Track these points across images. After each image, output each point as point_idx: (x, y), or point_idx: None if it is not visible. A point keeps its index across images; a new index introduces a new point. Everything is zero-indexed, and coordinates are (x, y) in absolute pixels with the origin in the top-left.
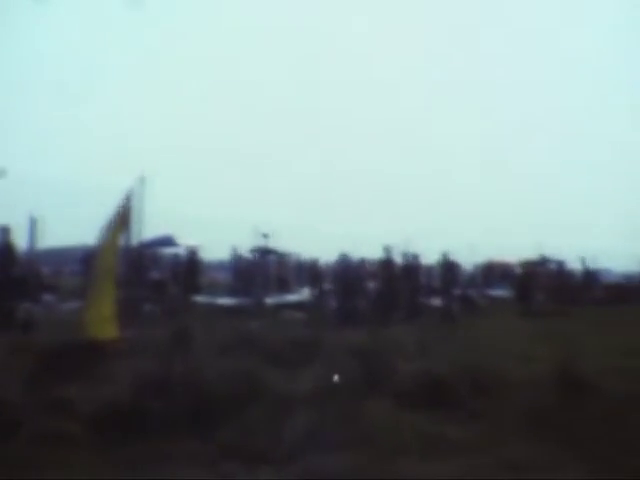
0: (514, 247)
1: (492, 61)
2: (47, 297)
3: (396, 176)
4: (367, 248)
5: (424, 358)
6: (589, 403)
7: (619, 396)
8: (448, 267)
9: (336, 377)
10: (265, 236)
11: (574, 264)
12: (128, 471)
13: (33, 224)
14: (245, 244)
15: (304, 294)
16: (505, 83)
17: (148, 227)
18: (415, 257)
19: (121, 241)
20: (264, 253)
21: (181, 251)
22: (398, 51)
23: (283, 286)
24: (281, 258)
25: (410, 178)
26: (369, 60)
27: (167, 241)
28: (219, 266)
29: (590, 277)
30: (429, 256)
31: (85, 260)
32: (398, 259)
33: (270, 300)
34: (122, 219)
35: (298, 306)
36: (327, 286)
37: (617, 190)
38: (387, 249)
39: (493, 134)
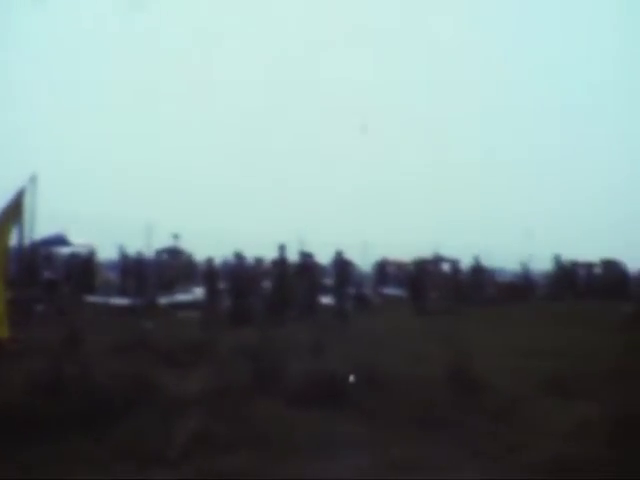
0: (409, 245)
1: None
2: None
3: (292, 174)
4: (264, 247)
5: (316, 357)
6: (480, 401)
7: (509, 395)
8: (341, 265)
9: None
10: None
11: (469, 263)
12: (21, 472)
13: None
14: (137, 243)
15: (198, 294)
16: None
17: (39, 226)
18: (310, 255)
19: (11, 240)
20: (160, 253)
21: (75, 250)
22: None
23: (177, 286)
24: (175, 257)
25: (305, 177)
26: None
27: (59, 240)
28: (113, 266)
29: (483, 276)
30: (325, 254)
31: None
32: (293, 258)
33: (164, 300)
34: (12, 217)
35: (192, 306)
36: (222, 285)
37: (511, 189)
38: (281, 247)
39: (383, 131)
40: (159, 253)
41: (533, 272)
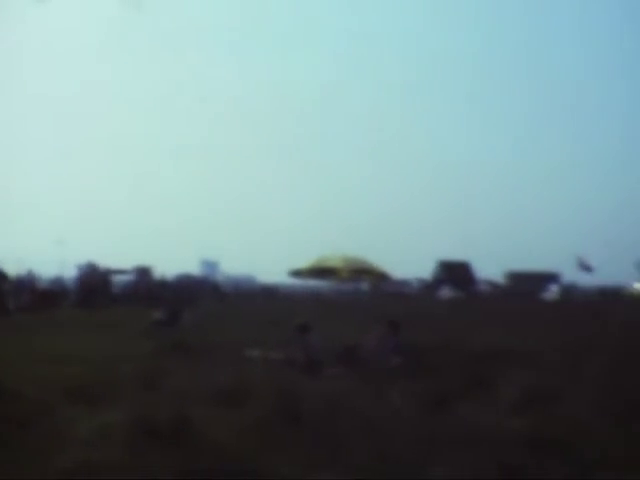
0: None
1: None
2: None
3: None
4: None
5: None
6: (6, 410)
7: (35, 403)
8: None
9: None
10: None
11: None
12: None
13: None
14: None
15: None
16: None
17: None
18: None
19: None
20: None
21: None
22: None
23: None
24: None
25: None
26: None
27: None
28: None
29: (20, 283)
30: None
31: None
32: None
33: None
34: None
35: None
36: None
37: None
38: None
39: None
40: None
41: (66, 278)
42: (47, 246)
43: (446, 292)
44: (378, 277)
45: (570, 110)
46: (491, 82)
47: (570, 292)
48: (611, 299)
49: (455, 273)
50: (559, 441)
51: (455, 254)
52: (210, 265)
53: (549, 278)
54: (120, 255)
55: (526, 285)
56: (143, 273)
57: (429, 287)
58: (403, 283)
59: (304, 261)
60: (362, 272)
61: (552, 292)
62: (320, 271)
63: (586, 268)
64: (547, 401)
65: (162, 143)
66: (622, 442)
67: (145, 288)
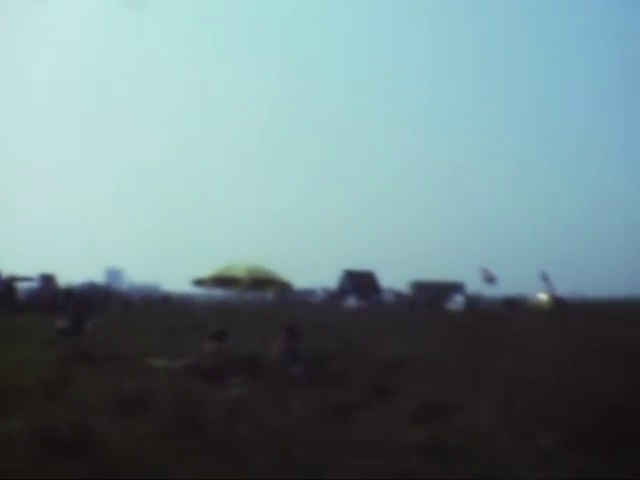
0: None
1: None
2: None
3: None
4: None
5: None
6: None
7: None
8: None
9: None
10: None
11: None
12: None
13: None
14: None
15: None
16: None
17: None
18: None
19: None
20: None
21: None
22: None
23: None
24: None
25: None
26: None
27: None
28: None
29: None
30: None
31: None
32: None
33: None
34: None
35: None
36: None
37: None
38: None
39: None
40: None
41: None
42: None
43: (351, 301)
44: (281, 287)
45: (474, 119)
46: (385, 84)
47: (475, 302)
48: (516, 309)
49: (360, 282)
50: (458, 450)
51: (362, 264)
52: (114, 273)
53: (454, 288)
54: (23, 262)
55: (431, 295)
56: (47, 281)
57: (334, 296)
58: (309, 292)
59: (209, 270)
60: (265, 282)
61: (457, 302)
62: (222, 280)
63: (490, 280)
64: (447, 410)
65: (75, 149)
66: (522, 451)
67: (49, 296)
